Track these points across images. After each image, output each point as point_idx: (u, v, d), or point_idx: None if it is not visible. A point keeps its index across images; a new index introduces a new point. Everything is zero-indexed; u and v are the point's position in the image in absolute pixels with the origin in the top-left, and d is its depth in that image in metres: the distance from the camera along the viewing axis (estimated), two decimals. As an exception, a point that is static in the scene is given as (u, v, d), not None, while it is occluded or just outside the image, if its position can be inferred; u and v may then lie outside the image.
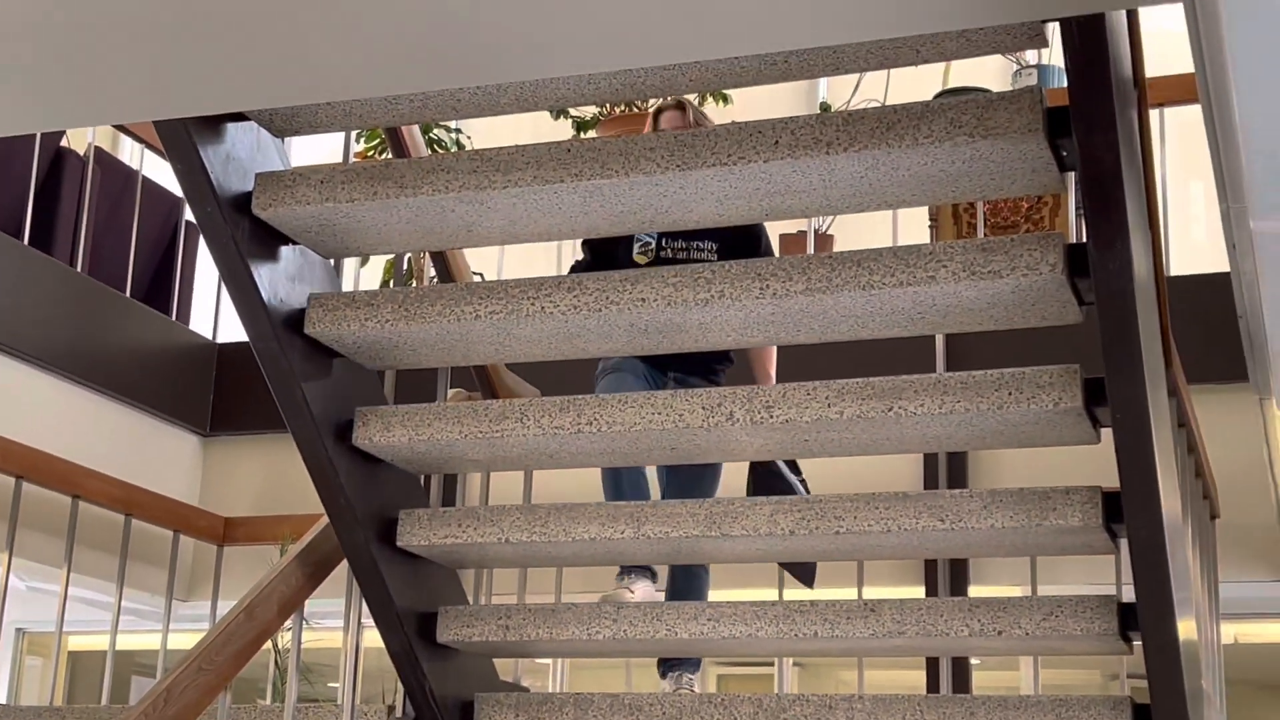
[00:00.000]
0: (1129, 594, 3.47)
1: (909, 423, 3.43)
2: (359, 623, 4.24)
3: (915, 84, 5.21)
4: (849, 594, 4.50)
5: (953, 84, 6.77)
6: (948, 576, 6.09)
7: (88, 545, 5.97)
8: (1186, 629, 3.64)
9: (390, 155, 4.51)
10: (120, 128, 7.95)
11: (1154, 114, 5.73)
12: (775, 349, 5.01)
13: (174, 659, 3.91)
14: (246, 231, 3.47)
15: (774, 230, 6.52)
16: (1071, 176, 3.17)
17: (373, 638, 4.21)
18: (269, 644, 5.05)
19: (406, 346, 3.71)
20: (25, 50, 2.91)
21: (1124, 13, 2.94)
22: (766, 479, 4.73)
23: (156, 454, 7.60)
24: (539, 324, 3.50)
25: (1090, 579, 5.48)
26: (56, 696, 7.39)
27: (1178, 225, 6.93)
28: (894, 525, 3.62)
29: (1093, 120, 2.80)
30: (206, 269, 8.07)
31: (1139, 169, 3.12)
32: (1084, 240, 2.99)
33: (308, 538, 4.15)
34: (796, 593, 4.47)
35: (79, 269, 7.10)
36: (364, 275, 6.76)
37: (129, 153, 8.74)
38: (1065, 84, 2.84)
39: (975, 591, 6.36)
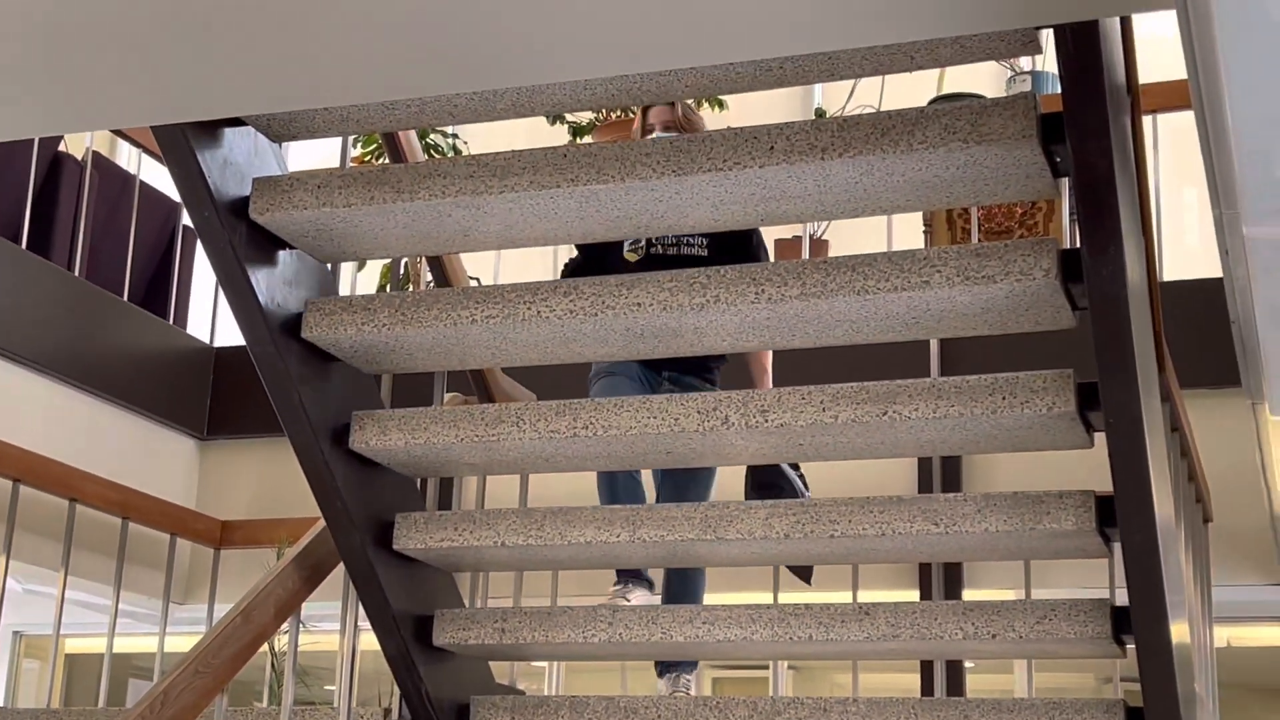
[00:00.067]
0: (1122, 598, 3.48)
1: (903, 427, 3.44)
2: (355, 626, 4.24)
3: (910, 90, 5.23)
4: (844, 597, 4.49)
5: (947, 90, 6.78)
6: (942, 580, 6.10)
7: (85, 548, 5.97)
8: (1180, 632, 3.65)
9: (387, 160, 4.53)
10: (118, 132, 7.95)
11: (1147, 120, 5.74)
12: (769, 363, 5.01)
13: (171, 662, 3.92)
14: (244, 236, 3.48)
15: (769, 235, 6.54)
16: (1065, 182, 3.18)
17: (369, 641, 4.21)
18: (266, 647, 5.05)
19: (403, 351, 3.72)
20: (24, 55, 2.92)
21: (1117, 19, 2.95)
22: (766, 485, 4.74)
23: (154, 457, 7.61)
24: (535, 328, 3.51)
25: (1084, 583, 5.48)
26: (54, 699, 7.39)
27: (1171, 231, 6.96)
28: (889, 529, 3.63)
29: (1086, 126, 2.81)
30: (204, 273, 8.07)
31: (1132, 175, 3.14)
32: (1078, 246, 3.01)
33: (304, 541, 4.16)
34: (791, 596, 4.47)
35: (77, 273, 7.11)
36: (361, 280, 6.77)
37: (127, 157, 8.75)
38: (1059, 90, 2.85)
39: (969, 595, 6.38)
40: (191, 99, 3.12)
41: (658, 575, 4.97)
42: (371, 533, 3.92)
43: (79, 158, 7.31)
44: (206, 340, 8.04)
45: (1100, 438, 3.29)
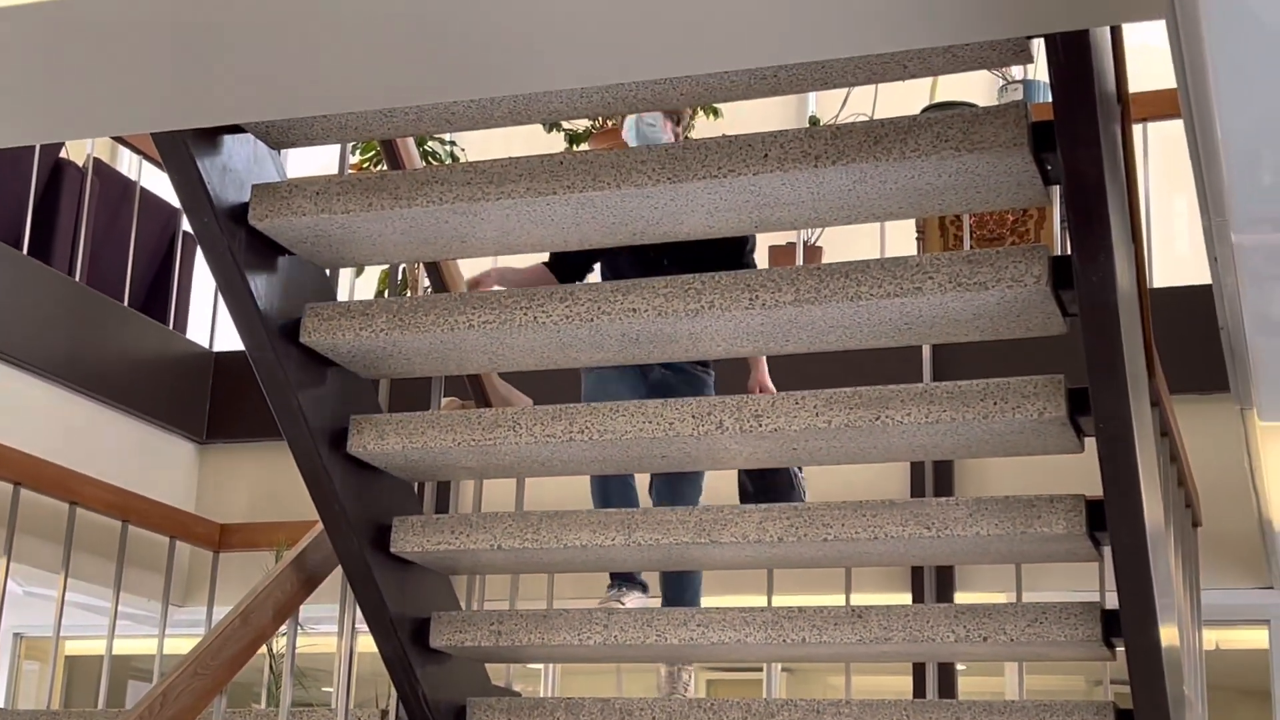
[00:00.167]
0: (1112, 601, 3.49)
1: (896, 431, 3.46)
2: (353, 628, 4.26)
3: (903, 98, 5.24)
4: (837, 600, 4.50)
5: (940, 99, 6.80)
6: (934, 583, 6.11)
7: (85, 551, 5.99)
8: (1169, 635, 3.66)
9: (385, 167, 4.54)
10: (119, 139, 7.97)
11: (1137, 129, 5.76)
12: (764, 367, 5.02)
13: (170, 663, 3.93)
14: (243, 242, 3.49)
15: (763, 242, 6.55)
16: (1056, 190, 3.19)
17: (366, 643, 4.22)
18: (264, 649, 5.07)
19: (401, 356, 3.73)
20: (25, 63, 2.93)
21: (1108, 29, 2.96)
22: (771, 491, 4.76)
23: (153, 461, 7.62)
24: (531, 334, 3.53)
25: (1074, 586, 5.51)
26: (54, 700, 7.41)
27: (1161, 238, 6.95)
28: (881, 533, 3.64)
29: (1077, 135, 2.82)
30: (203, 278, 8.08)
31: (1122, 183, 3.14)
32: (1068, 253, 3.02)
33: (302, 544, 4.18)
34: (785, 599, 4.49)
35: (77, 278, 7.11)
36: (359, 285, 6.78)
37: (127, 164, 8.76)
38: (1050, 99, 2.85)
39: (961, 598, 6.39)
40: (192, 106, 3.12)
41: (651, 579, 4.98)
42: (369, 536, 3.93)
43: (80, 164, 7.32)
44: (206, 345, 8.04)
45: (1090, 442, 3.31)
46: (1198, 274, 4.61)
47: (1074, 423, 3.34)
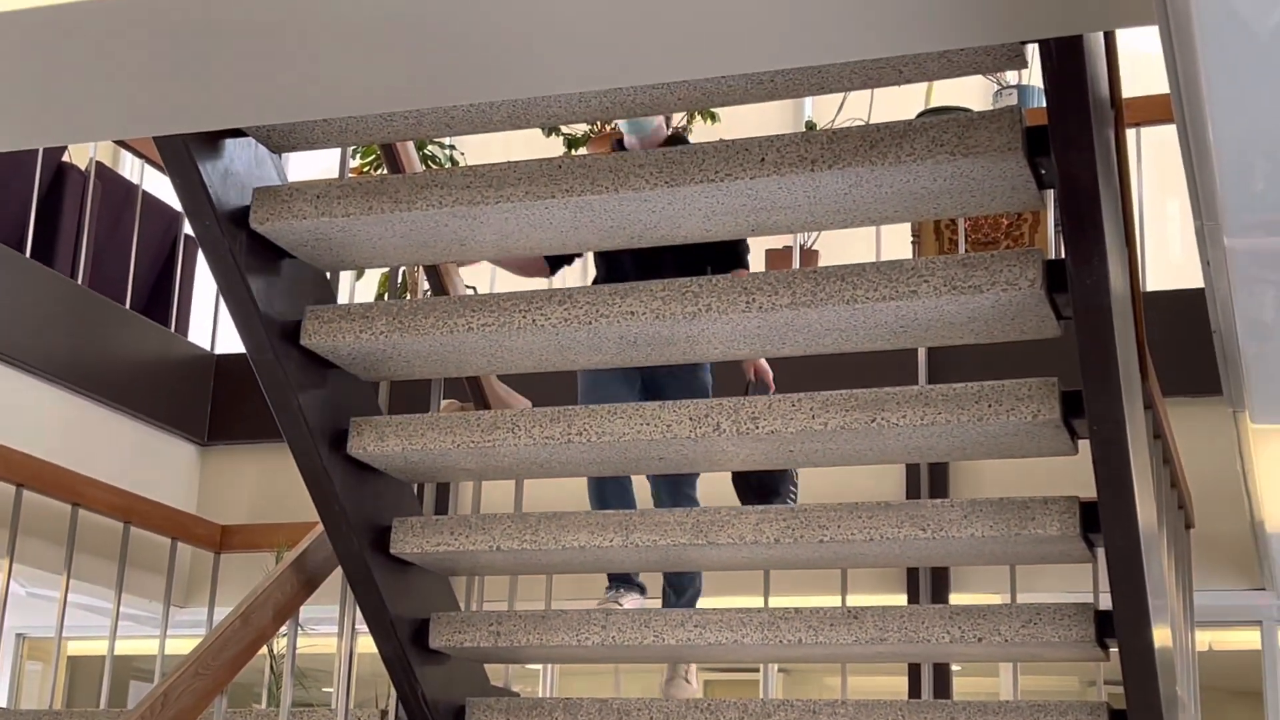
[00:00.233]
0: (1106, 602, 3.50)
1: (891, 434, 3.47)
2: (353, 629, 4.27)
3: (898, 103, 5.26)
4: (833, 601, 4.52)
5: (935, 104, 6.80)
6: (929, 584, 6.15)
7: (87, 552, 6.01)
8: (1162, 636, 3.68)
9: (385, 171, 4.55)
10: (121, 143, 7.99)
11: (1131, 133, 5.76)
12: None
13: (171, 664, 3.93)
14: (244, 245, 3.50)
15: (760, 245, 6.58)
16: (1050, 194, 3.21)
17: (366, 643, 4.23)
18: (264, 649, 5.08)
19: (400, 358, 3.74)
20: (28, 67, 2.94)
21: (1101, 34, 2.98)
22: (765, 490, 4.76)
23: (155, 463, 7.64)
24: (530, 336, 3.54)
25: (1068, 587, 5.52)
26: (56, 700, 7.42)
27: (1154, 242, 6.98)
28: (877, 534, 3.66)
29: (1070, 139, 2.84)
30: (205, 281, 8.10)
31: (1116, 187, 3.16)
32: (1062, 256, 3.03)
33: (303, 545, 4.18)
34: (782, 600, 4.50)
35: (80, 281, 7.13)
36: (359, 288, 6.80)
37: (129, 168, 8.80)
38: (1044, 104, 2.87)
39: (956, 599, 6.41)
40: (193, 110, 3.14)
41: (650, 579, 4.99)
42: (369, 537, 3.94)
43: (83, 168, 7.34)
44: (207, 347, 8.06)
45: (1084, 445, 3.32)
46: (1190, 278, 4.62)
47: (1068, 425, 3.35)
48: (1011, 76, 6.90)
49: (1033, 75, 6.50)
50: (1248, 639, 6.95)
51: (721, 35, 2.73)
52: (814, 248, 6.71)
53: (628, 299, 3.44)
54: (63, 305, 7.00)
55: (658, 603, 5.03)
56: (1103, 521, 3.33)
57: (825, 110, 7.38)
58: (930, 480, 6.37)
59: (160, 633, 5.92)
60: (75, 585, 5.69)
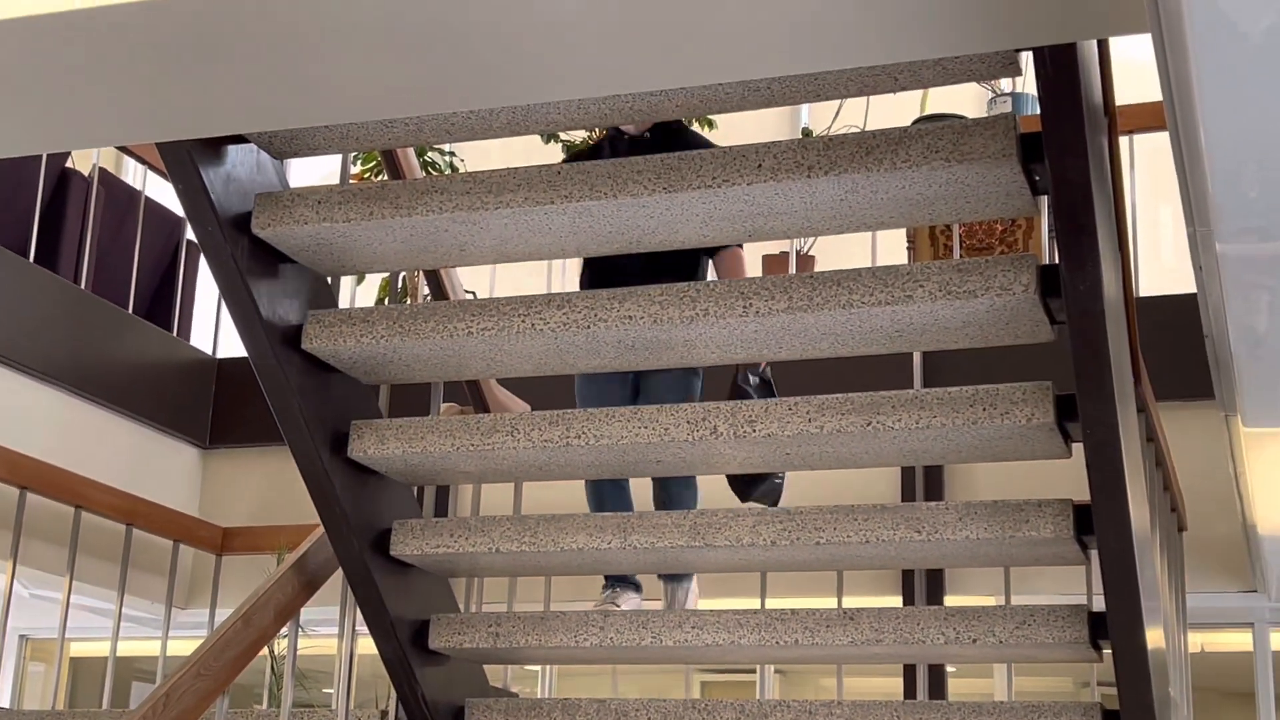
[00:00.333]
0: (1099, 604, 3.51)
1: (887, 437, 3.48)
2: (353, 630, 4.28)
3: (894, 110, 5.27)
4: (829, 603, 4.52)
5: (930, 111, 6.82)
6: (924, 586, 6.15)
7: (90, 554, 6.02)
8: (1155, 638, 3.69)
9: (386, 177, 4.56)
10: (124, 149, 8.00)
11: (1124, 140, 5.80)
12: (743, 263, 4.91)
13: (173, 665, 3.94)
14: (246, 250, 3.51)
15: (757, 251, 6.59)
16: (1044, 200, 3.23)
17: (366, 645, 4.25)
18: (265, 650, 5.10)
19: (401, 362, 3.76)
20: (32, 74, 2.95)
21: (1094, 42, 2.98)
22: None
23: (157, 466, 7.66)
24: (529, 340, 3.56)
25: (1062, 589, 5.54)
26: (59, 701, 7.43)
27: (1147, 248, 6.98)
28: (872, 536, 3.67)
29: (1064, 146, 2.84)
30: (207, 286, 8.13)
31: (1109, 193, 3.16)
32: (1056, 262, 3.04)
33: (304, 547, 4.20)
34: (778, 601, 4.52)
35: (83, 286, 7.15)
36: (360, 293, 6.82)
37: (132, 174, 8.80)
38: (1038, 111, 2.88)
39: (951, 601, 6.42)
40: (196, 117, 3.15)
41: (645, 579, 4.99)
42: (369, 539, 3.96)
43: (86, 174, 7.36)
44: (209, 351, 8.08)
45: (1078, 448, 3.33)
46: (1183, 283, 4.65)
47: (1061, 428, 3.36)
48: (1006, 84, 6.91)
49: (1027, 83, 6.51)
50: (1240, 641, 6.98)
51: (719, 43, 2.73)
52: (810, 253, 6.73)
53: (626, 303, 3.45)
54: (66, 310, 7.02)
55: (655, 602, 5.03)
56: (1096, 524, 3.34)
57: (821, 117, 7.39)
58: (925, 483, 6.38)
59: (162, 634, 5.94)
60: (78, 587, 5.71)
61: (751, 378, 4.63)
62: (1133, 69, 3.80)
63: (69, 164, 7.36)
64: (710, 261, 4.89)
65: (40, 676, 9.17)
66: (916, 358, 5.66)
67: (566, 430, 3.71)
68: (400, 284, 4.88)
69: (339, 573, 4.09)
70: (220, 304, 7.54)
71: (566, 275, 7.09)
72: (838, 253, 5.71)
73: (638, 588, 4.87)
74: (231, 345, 7.76)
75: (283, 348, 3.62)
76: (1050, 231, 5.39)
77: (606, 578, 4.88)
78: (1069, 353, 3.08)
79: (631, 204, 3.29)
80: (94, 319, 7.21)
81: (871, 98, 3.76)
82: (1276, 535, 5.55)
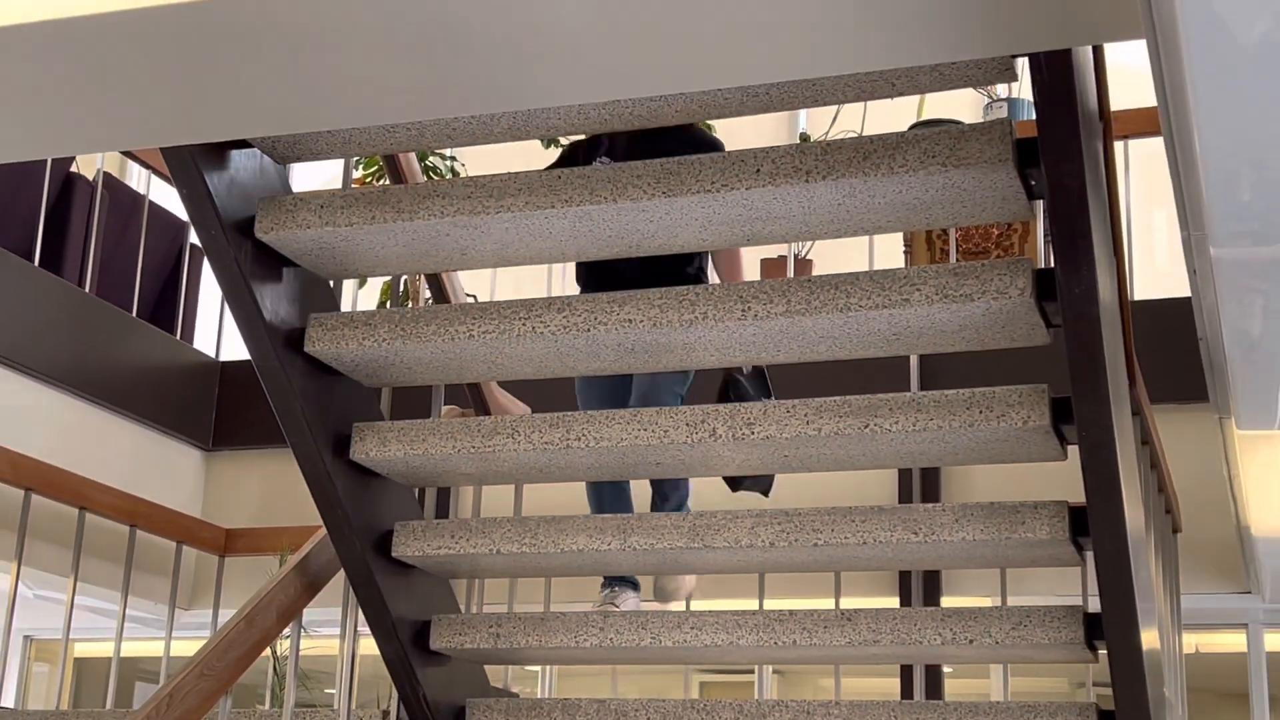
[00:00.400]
0: (1095, 605, 3.52)
1: (884, 439, 3.49)
2: (355, 631, 4.29)
3: (891, 116, 5.28)
4: (826, 604, 4.54)
5: (927, 116, 6.84)
6: (921, 587, 6.16)
7: (94, 555, 6.04)
8: (1150, 639, 3.70)
9: (388, 181, 4.57)
10: (128, 154, 8.02)
11: (1119, 145, 5.79)
12: (741, 259, 4.89)
13: (176, 665, 3.96)
14: (249, 254, 3.52)
15: (755, 255, 6.61)
16: (1040, 204, 3.22)
17: (368, 645, 4.26)
18: (268, 651, 5.11)
19: (402, 365, 3.77)
20: (38, 79, 2.96)
21: (1090, 49, 3.00)
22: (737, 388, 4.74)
23: (161, 468, 7.67)
24: (530, 343, 3.57)
25: (1057, 590, 5.56)
26: (63, 701, 7.42)
27: (1142, 252, 6.99)
28: (870, 538, 3.68)
29: (1060, 151, 2.86)
30: (210, 290, 8.14)
31: (1104, 198, 3.18)
32: (1052, 265, 3.05)
33: (306, 549, 4.21)
34: (776, 602, 4.52)
35: (87, 289, 7.15)
36: (362, 296, 6.84)
37: (136, 178, 8.83)
38: (1034, 116, 2.89)
39: (947, 602, 6.42)
40: (200, 122, 3.16)
41: (644, 578, 5.00)
42: (371, 541, 3.97)
43: (90, 178, 7.37)
44: (212, 354, 8.09)
45: (1073, 450, 3.34)
46: (1177, 287, 4.66)
47: (1057, 431, 3.37)
48: (1002, 89, 6.93)
49: (1023, 88, 6.51)
50: (1234, 641, 7.01)
51: (718, 48, 2.74)
52: (808, 257, 6.74)
53: (625, 307, 3.47)
54: (70, 313, 7.04)
55: (654, 601, 5.04)
56: (1091, 526, 3.35)
57: (819, 122, 7.40)
58: (922, 485, 6.39)
59: (165, 634, 5.95)
60: (82, 588, 5.73)
61: (744, 366, 4.64)
62: (1127, 74, 3.82)
63: (74, 169, 7.36)
64: (708, 256, 4.89)
65: (44, 677, 9.18)
66: (913, 361, 5.67)
67: (566, 432, 3.72)
68: (402, 287, 4.89)
69: (341, 574, 4.10)
70: (223, 307, 7.56)
71: (566, 279, 7.09)
72: (835, 257, 5.73)
73: (636, 587, 4.89)
74: (234, 348, 7.75)
75: (285, 350, 3.63)
76: (1046, 236, 5.39)
77: (606, 577, 4.90)
78: (1065, 356, 3.10)
79: (631, 208, 3.30)
80: (98, 322, 7.22)
81: (869, 103, 3.77)
82: (1270, 537, 5.56)
